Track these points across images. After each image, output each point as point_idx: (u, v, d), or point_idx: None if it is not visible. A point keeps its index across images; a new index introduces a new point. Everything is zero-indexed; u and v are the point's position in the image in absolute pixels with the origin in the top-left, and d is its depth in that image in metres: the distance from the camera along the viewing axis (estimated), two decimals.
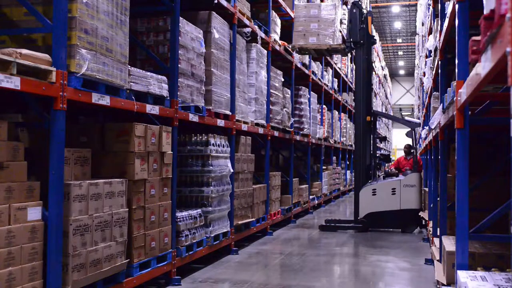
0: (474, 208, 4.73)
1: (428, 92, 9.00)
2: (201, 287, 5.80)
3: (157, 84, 5.47)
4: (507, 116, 4.28)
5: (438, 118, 5.70)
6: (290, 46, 10.94)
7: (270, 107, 9.85)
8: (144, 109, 5.21)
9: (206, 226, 6.73)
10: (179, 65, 5.99)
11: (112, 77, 4.58)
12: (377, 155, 12.01)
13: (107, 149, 5.07)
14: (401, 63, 49.74)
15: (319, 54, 11.61)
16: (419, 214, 10.37)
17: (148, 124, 5.26)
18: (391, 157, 24.53)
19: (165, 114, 5.65)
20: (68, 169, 4.32)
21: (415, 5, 27.88)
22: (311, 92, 13.33)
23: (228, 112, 7.57)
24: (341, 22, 17.05)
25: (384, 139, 13.07)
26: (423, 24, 11.66)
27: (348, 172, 20.14)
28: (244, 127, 8.27)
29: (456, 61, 3.69)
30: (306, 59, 12.77)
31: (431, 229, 7.89)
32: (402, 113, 47.83)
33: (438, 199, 6.47)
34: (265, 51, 9.48)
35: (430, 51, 8.18)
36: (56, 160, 3.94)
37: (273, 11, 10.12)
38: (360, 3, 11.00)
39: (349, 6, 18.36)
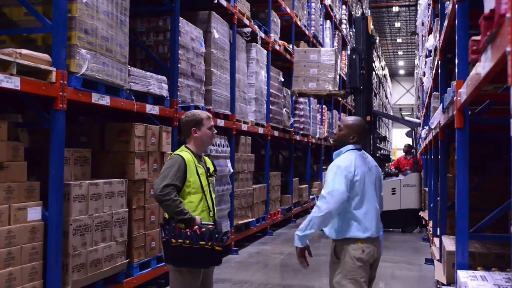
0: (474, 208, 4.72)
1: (428, 92, 8.99)
2: None
3: (157, 84, 5.47)
4: (507, 116, 4.27)
5: (438, 118, 5.70)
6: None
7: (270, 107, 9.84)
8: (144, 109, 5.21)
9: None
10: (179, 65, 5.99)
11: (112, 77, 4.58)
12: (377, 155, 12.00)
13: (107, 149, 5.07)
14: (401, 63, 49.74)
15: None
16: (419, 213, 10.37)
17: (148, 124, 5.26)
18: (391, 157, 24.51)
19: (165, 114, 5.64)
20: (68, 169, 4.32)
21: (415, 5, 27.88)
22: None
23: (228, 112, 7.57)
24: (340, 22, 17.07)
25: (384, 139, 13.06)
26: (423, 24, 11.65)
27: None
28: (244, 127, 8.27)
29: (456, 61, 3.69)
30: None
31: (431, 228, 7.89)
32: (402, 113, 47.80)
33: (438, 199, 6.47)
34: (265, 51, 9.48)
35: (430, 51, 8.18)
36: (56, 160, 3.94)
37: (273, 11, 10.12)
38: (360, 49, 10.83)
39: (348, 6, 18.41)
